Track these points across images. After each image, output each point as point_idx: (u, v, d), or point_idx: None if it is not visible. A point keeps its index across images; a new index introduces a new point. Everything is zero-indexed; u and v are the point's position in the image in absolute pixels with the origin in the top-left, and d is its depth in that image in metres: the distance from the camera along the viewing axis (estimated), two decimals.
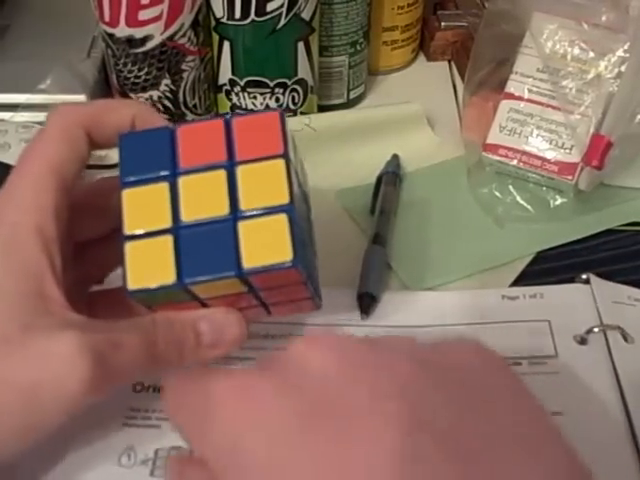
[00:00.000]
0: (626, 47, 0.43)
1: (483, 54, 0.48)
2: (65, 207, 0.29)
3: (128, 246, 0.28)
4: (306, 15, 0.46)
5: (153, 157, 0.29)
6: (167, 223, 0.28)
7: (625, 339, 0.37)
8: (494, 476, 0.20)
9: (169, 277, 0.27)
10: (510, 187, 0.46)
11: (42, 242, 0.28)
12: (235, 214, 0.28)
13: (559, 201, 0.45)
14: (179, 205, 0.28)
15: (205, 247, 0.28)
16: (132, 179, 0.29)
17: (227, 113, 0.51)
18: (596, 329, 0.37)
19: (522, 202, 0.46)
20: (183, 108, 0.48)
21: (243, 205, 0.28)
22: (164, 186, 0.29)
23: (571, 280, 0.41)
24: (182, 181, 0.29)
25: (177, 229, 0.28)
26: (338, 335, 0.26)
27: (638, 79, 0.42)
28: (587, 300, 0.39)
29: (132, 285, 0.27)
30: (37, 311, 0.27)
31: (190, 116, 0.49)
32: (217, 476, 0.23)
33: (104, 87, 0.50)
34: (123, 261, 0.28)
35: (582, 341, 0.37)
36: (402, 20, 0.55)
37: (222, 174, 0.29)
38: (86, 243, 0.32)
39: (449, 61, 0.59)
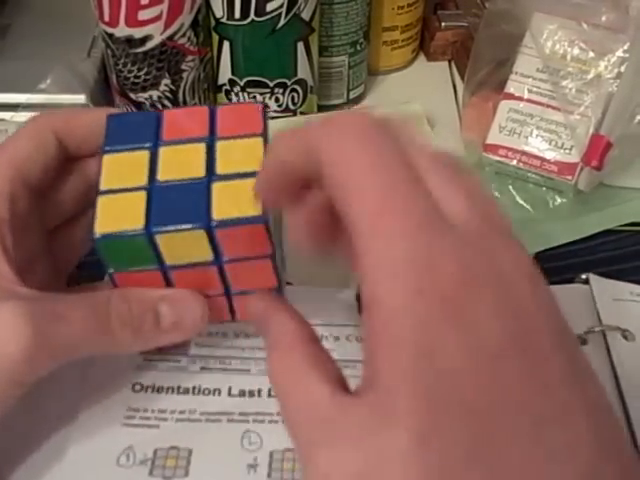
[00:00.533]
0: (626, 47, 0.43)
1: (483, 54, 0.48)
2: (24, 199, 0.30)
3: (101, 199, 0.28)
4: (306, 15, 0.46)
5: (137, 132, 0.30)
6: (143, 182, 0.29)
7: (625, 338, 0.37)
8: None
9: (137, 224, 0.27)
10: (510, 187, 0.46)
11: None
12: (210, 177, 0.29)
13: (559, 201, 0.45)
14: (157, 168, 0.29)
15: (177, 201, 0.28)
16: (113, 147, 0.30)
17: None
18: (596, 329, 0.37)
19: (521, 202, 0.46)
20: None
21: (219, 170, 0.29)
22: (144, 153, 0.30)
23: (570, 280, 0.41)
24: (162, 150, 0.30)
25: (152, 187, 0.29)
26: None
27: (638, 79, 0.42)
28: (586, 300, 0.39)
29: (99, 229, 0.27)
30: None
31: None
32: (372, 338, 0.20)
33: (104, 87, 0.50)
34: (94, 213, 0.28)
35: (582, 341, 0.37)
36: (402, 20, 0.55)
37: (202, 146, 0.30)
38: (53, 229, 0.33)
39: (449, 61, 0.59)
